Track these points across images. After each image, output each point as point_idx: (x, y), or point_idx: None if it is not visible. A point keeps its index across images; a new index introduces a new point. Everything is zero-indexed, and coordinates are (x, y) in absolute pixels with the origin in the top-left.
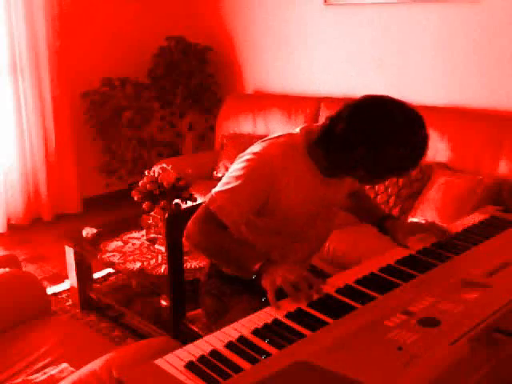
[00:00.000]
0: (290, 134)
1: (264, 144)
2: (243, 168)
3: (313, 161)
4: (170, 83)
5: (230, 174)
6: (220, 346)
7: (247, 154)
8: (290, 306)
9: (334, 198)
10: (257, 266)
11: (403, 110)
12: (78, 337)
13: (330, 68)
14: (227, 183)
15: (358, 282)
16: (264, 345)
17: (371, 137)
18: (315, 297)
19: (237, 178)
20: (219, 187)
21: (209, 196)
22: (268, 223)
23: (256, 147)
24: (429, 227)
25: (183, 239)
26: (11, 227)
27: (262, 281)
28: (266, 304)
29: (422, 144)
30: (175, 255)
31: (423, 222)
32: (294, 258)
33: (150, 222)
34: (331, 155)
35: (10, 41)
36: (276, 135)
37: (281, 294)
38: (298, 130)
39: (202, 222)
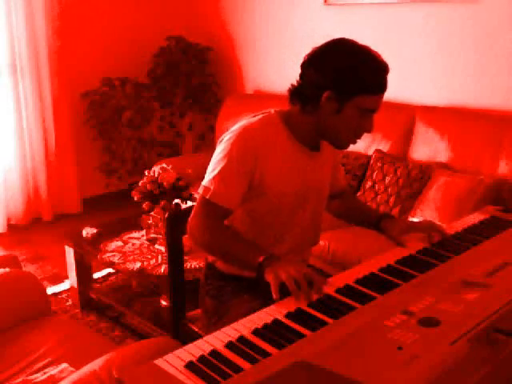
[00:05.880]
0: (264, 112)
1: (240, 123)
2: (224, 149)
3: (291, 131)
4: (170, 83)
5: (213, 159)
6: (220, 346)
7: (226, 136)
8: (290, 305)
9: (319, 176)
10: (260, 259)
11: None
12: (78, 337)
13: None
14: (213, 169)
15: (357, 281)
16: (264, 345)
17: (332, 60)
18: (315, 297)
19: (221, 159)
20: (207, 176)
21: (201, 188)
22: (255, 208)
23: (233, 127)
24: (426, 228)
25: (185, 238)
26: (11, 227)
27: (266, 274)
28: (267, 304)
29: (381, 61)
30: (175, 255)
31: (422, 219)
32: (281, 249)
33: (150, 222)
34: (303, 96)
35: (10, 41)
36: (250, 116)
37: (283, 292)
38: (272, 110)
39: (203, 216)
